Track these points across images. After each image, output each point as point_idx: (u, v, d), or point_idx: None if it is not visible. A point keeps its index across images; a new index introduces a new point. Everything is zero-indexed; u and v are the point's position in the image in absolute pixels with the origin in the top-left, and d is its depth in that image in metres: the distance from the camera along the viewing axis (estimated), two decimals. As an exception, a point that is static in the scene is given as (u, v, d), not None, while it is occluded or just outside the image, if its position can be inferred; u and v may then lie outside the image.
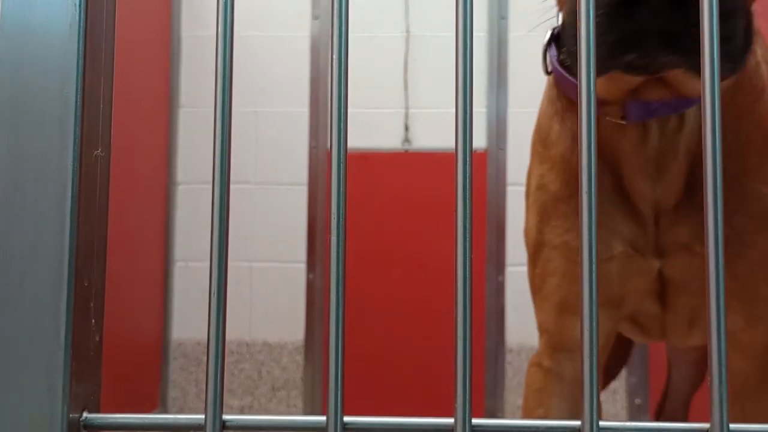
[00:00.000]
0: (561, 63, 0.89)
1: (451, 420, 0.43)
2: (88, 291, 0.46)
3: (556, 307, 1.01)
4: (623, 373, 2.61)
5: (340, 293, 0.43)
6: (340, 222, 0.43)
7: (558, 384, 1.04)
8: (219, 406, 0.43)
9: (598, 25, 0.71)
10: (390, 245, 2.79)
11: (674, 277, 0.97)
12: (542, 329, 1.06)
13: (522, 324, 2.66)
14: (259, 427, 0.46)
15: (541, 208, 1.01)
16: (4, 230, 0.44)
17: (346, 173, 0.44)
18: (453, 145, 0.44)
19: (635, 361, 2.60)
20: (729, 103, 0.89)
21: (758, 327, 0.97)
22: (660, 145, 0.92)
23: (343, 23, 0.44)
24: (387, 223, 2.80)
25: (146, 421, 0.46)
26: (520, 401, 2.68)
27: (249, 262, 2.82)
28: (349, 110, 0.44)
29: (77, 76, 0.44)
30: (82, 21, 0.45)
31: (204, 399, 0.44)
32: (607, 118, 0.90)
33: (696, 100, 0.87)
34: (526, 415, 1.06)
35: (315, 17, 2.89)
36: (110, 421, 0.45)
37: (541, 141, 1.03)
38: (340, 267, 0.43)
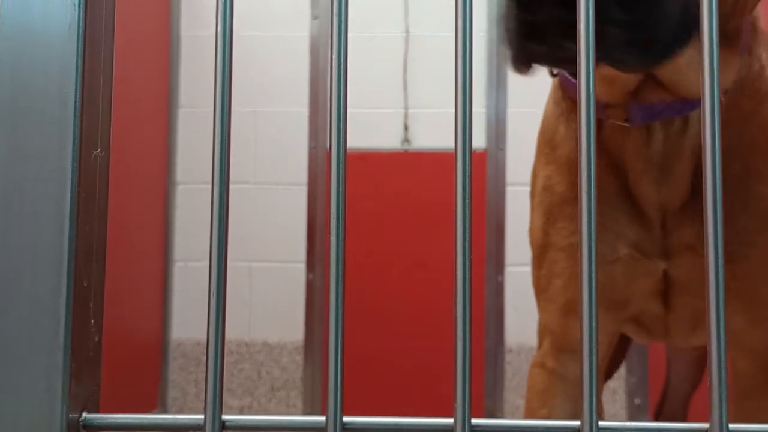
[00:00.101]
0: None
1: (450, 420, 0.43)
2: (87, 291, 0.46)
3: (561, 309, 1.01)
4: (623, 373, 2.61)
5: (339, 293, 0.43)
6: (340, 222, 0.43)
7: (561, 384, 1.04)
8: (218, 406, 0.43)
9: (506, 13, 0.70)
10: (389, 245, 2.79)
11: (679, 278, 0.97)
12: (546, 330, 1.06)
13: (521, 324, 2.66)
14: (259, 427, 0.46)
15: (547, 209, 1.01)
16: (3, 230, 0.44)
17: (346, 173, 0.44)
18: (452, 145, 0.44)
19: (635, 361, 2.60)
20: (733, 107, 0.89)
21: (760, 327, 0.97)
22: (664, 148, 0.92)
23: (342, 23, 0.44)
24: (386, 223, 2.80)
25: (146, 421, 0.46)
26: (519, 401, 2.69)
27: (248, 262, 2.81)
28: (349, 110, 0.44)
29: (76, 76, 0.44)
30: (81, 21, 0.45)
31: (203, 399, 0.44)
32: (611, 121, 0.90)
33: (699, 103, 0.87)
34: (530, 416, 1.06)
35: (314, 17, 2.89)
36: (109, 421, 0.45)
37: (546, 142, 1.04)
38: (340, 267, 0.43)
